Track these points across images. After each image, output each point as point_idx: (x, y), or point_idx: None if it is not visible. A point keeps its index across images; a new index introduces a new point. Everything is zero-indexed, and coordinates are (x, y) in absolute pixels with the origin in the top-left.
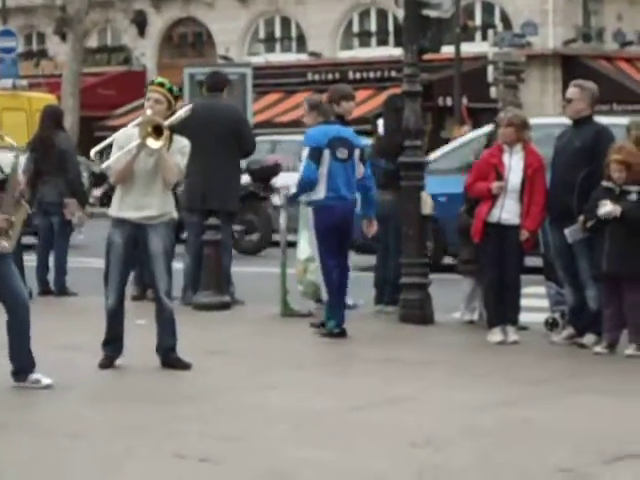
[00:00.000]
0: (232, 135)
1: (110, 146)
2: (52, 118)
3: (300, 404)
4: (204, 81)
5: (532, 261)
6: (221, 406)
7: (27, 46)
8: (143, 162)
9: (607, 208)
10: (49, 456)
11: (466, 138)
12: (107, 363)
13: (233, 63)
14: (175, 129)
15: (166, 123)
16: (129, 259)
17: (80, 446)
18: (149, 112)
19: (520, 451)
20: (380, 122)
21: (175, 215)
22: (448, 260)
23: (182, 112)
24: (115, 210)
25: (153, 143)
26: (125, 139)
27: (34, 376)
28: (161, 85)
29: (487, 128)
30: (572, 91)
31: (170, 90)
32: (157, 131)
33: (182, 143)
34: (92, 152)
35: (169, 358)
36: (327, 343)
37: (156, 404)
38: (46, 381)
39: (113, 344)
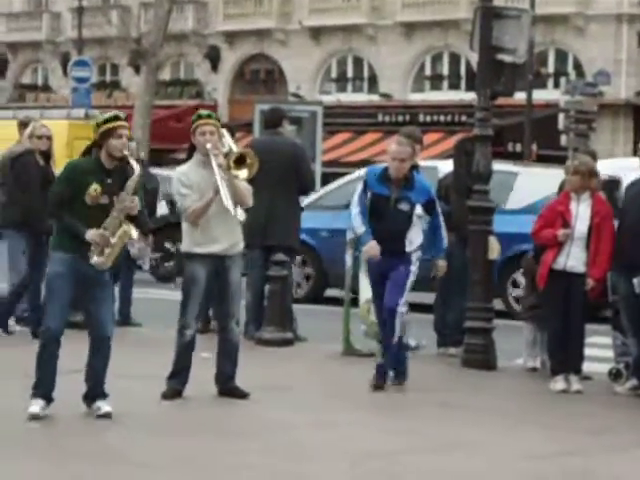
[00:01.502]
0: (291, 171)
1: None
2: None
3: (358, 444)
4: (263, 117)
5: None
6: (280, 442)
7: (101, 77)
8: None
9: None
10: None
11: (350, 177)
12: (172, 394)
13: (304, 101)
14: None
15: (245, 150)
16: (209, 291)
17: (142, 474)
18: (209, 146)
19: None
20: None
21: (243, 243)
22: (330, 292)
23: (228, 138)
24: (193, 245)
25: (242, 173)
26: (192, 177)
27: (98, 404)
28: (210, 117)
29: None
30: None
31: (217, 120)
32: (240, 161)
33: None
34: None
35: (228, 386)
36: (388, 384)
37: (214, 439)
38: (106, 408)
39: (179, 377)
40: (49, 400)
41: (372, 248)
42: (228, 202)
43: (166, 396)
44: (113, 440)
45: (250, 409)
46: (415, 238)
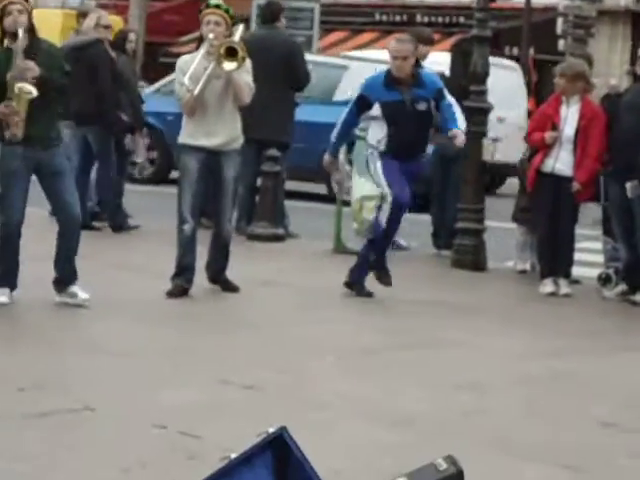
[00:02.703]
0: (286, 66)
1: None
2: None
3: (346, 339)
4: (258, 12)
5: None
6: (269, 337)
7: None
8: (212, 88)
9: None
10: (95, 373)
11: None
12: (178, 292)
13: None
14: None
15: (237, 41)
16: (203, 186)
17: (126, 363)
18: (211, 35)
19: (564, 402)
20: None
21: (242, 140)
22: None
23: (240, 32)
24: (188, 137)
25: (228, 65)
26: (188, 66)
27: (73, 288)
28: (217, 7)
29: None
30: None
31: (227, 11)
32: (231, 53)
33: (246, 61)
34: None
35: (219, 277)
36: (376, 281)
37: (205, 330)
38: (83, 295)
39: (185, 275)
40: (13, 288)
41: (327, 162)
42: (196, 90)
43: (172, 294)
44: (99, 330)
45: (240, 303)
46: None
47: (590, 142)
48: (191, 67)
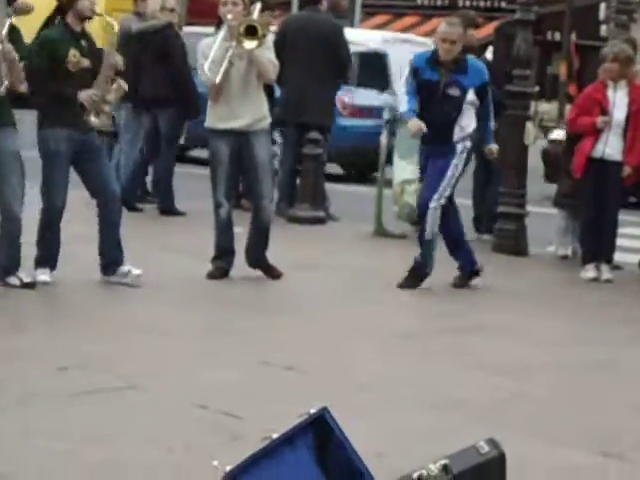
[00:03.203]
0: (328, 48)
1: None
2: None
3: (386, 322)
4: None
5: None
6: (310, 318)
7: None
8: (235, 69)
9: None
10: (137, 350)
11: None
12: (217, 274)
13: None
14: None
15: (256, 19)
16: (236, 168)
17: (170, 343)
18: (230, 16)
19: (603, 389)
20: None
21: (269, 119)
22: None
23: (258, 10)
24: (215, 121)
25: (249, 44)
26: (210, 48)
27: (124, 268)
28: None
29: None
30: None
31: None
32: (250, 31)
33: (267, 38)
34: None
35: (261, 263)
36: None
37: (247, 312)
38: (136, 271)
39: (225, 257)
40: (53, 268)
41: (415, 124)
42: (219, 75)
43: (213, 275)
44: (146, 310)
45: (281, 285)
46: (467, 125)
47: None
48: (212, 51)
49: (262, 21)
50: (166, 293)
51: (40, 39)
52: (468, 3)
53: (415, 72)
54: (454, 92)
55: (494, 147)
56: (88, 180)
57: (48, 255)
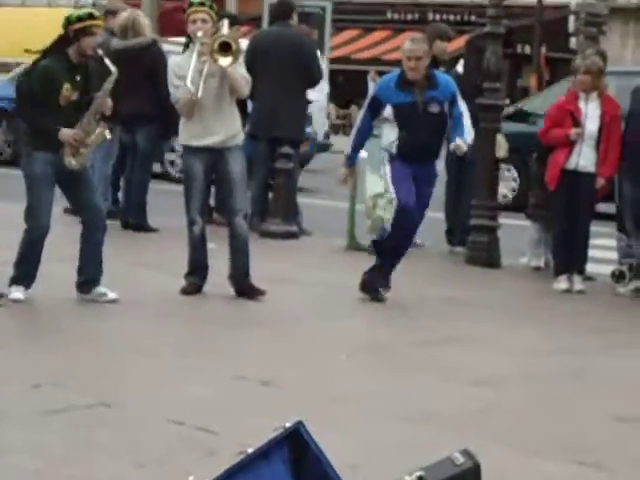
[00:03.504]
0: (299, 63)
1: None
2: None
3: (360, 336)
4: (270, 10)
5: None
6: (284, 333)
7: None
8: (208, 87)
9: None
10: (114, 368)
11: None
12: (190, 290)
13: None
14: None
15: (229, 35)
16: (208, 185)
17: (146, 360)
18: (200, 33)
19: (577, 398)
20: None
21: (243, 135)
22: None
23: (226, 26)
24: (189, 138)
25: (224, 60)
26: (185, 67)
27: (100, 289)
28: (202, 4)
29: None
30: None
31: (211, 8)
32: (224, 48)
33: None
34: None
35: (244, 285)
36: (392, 277)
37: (221, 327)
38: (112, 295)
39: (198, 273)
40: (28, 286)
41: (341, 174)
42: (195, 90)
43: (187, 291)
44: (119, 325)
45: (256, 300)
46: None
47: (613, 138)
48: (189, 71)
49: (233, 36)
50: (140, 310)
51: (42, 68)
52: (438, 17)
53: (376, 103)
54: (434, 109)
55: (460, 143)
56: (72, 198)
57: (25, 274)
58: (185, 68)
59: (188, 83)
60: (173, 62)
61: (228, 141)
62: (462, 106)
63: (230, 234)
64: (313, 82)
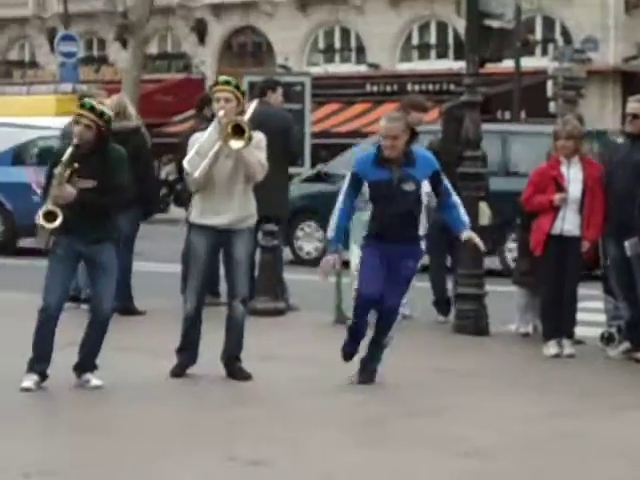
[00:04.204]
0: (280, 140)
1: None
2: None
3: (351, 410)
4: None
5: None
6: (274, 411)
7: (88, 51)
8: (222, 165)
9: None
10: (99, 455)
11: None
12: (178, 372)
13: (292, 72)
14: None
15: (245, 120)
16: (209, 266)
17: (132, 445)
18: (221, 113)
19: (572, 464)
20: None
21: (256, 218)
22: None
23: (252, 108)
24: (197, 216)
25: (235, 144)
26: (204, 144)
27: (87, 376)
28: (227, 83)
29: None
30: (637, 107)
31: (237, 87)
32: (237, 130)
33: (258, 137)
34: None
35: (232, 367)
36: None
37: (209, 407)
38: (96, 382)
39: (188, 351)
40: (44, 376)
41: (325, 265)
42: (199, 170)
43: (173, 372)
44: (105, 412)
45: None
46: (423, 220)
47: (596, 201)
48: (198, 143)
49: (247, 122)
50: (129, 393)
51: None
52: (417, 87)
53: (356, 180)
54: (409, 187)
55: (471, 235)
56: (90, 286)
57: (39, 357)
58: (204, 145)
59: (187, 158)
60: (193, 138)
61: (237, 224)
62: (451, 193)
63: (227, 315)
64: (294, 159)
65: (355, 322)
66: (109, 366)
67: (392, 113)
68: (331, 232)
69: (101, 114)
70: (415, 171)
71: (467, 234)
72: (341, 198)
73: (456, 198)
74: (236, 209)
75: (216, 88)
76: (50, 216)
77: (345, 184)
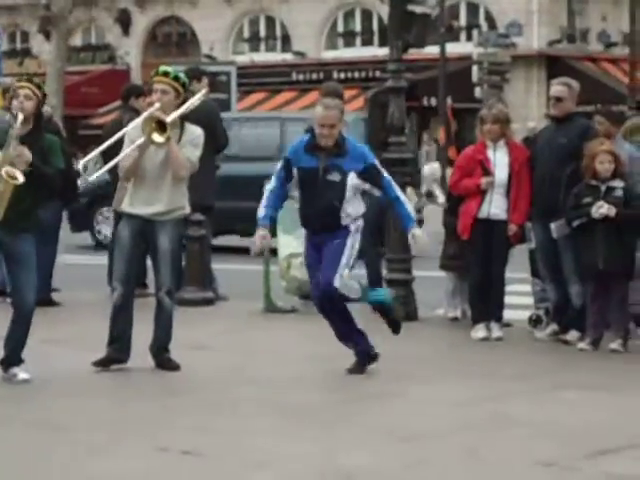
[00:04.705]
0: (206, 131)
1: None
2: None
3: (283, 397)
4: None
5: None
6: (204, 400)
7: (11, 44)
8: (153, 156)
9: (603, 210)
10: (28, 448)
11: None
12: (104, 363)
13: (217, 62)
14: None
15: (170, 117)
16: (135, 255)
17: (61, 438)
18: (157, 105)
19: (503, 446)
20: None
21: (187, 211)
22: None
23: (194, 100)
24: (126, 205)
25: (158, 137)
26: (135, 132)
27: (14, 370)
28: (165, 74)
29: None
30: (561, 90)
31: (176, 78)
32: (161, 125)
33: (194, 134)
34: (80, 164)
35: (161, 358)
36: (309, 338)
37: (141, 398)
38: (23, 376)
39: (118, 343)
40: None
41: (257, 240)
42: (123, 156)
43: (101, 363)
44: (34, 405)
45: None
46: (354, 211)
47: (523, 184)
48: (128, 128)
49: (171, 121)
50: (56, 386)
51: None
52: (343, 75)
53: (287, 164)
54: (334, 177)
55: (418, 232)
56: (10, 280)
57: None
58: (137, 135)
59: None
60: (131, 125)
61: (164, 215)
62: (392, 186)
63: (155, 307)
64: (220, 148)
65: (333, 326)
66: (36, 359)
67: (328, 101)
68: (259, 210)
69: (39, 86)
70: (344, 162)
71: (412, 232)
72: (272, 180)
73: (399, 193)
74: (165, 200)
75: (154, 79)
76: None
77: (277, 167)
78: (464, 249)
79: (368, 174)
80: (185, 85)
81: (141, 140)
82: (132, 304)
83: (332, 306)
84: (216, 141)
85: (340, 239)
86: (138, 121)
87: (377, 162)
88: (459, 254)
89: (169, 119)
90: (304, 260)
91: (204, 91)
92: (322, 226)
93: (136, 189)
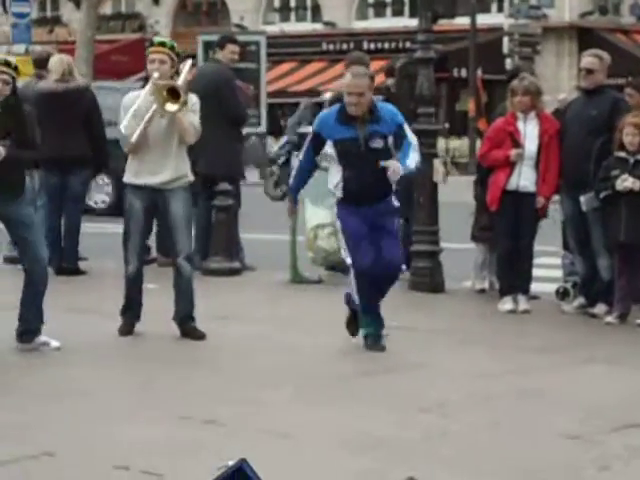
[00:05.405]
0: (217, 101)
1: None
2: None
3: (309, 368)
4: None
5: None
6: (229, 370)
7: (41, 12)
8: (156, 126)
9: (627, 183)
10: (53, 415)
11: None
12: (127, 330)
13: (247, 31)
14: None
15: (180, 84)
16: (148, 225)
17: (87, 405)
18: (156, 75)
19: (528, 418)
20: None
21: (192, 178)
22: None
23: (187, 69)
24: (132, 176)
25: (171, 107)
26: (139, 104)
27: (42, 338)
28: (162, 45)
29: None
30: (592, 61)
31: (172, 48)
32: (173, 93)
33: (192, 100)
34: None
35: (186, 327)
36: (337, 309)
37: (165, 367)
38: (55, 344)
39: (132, 310)
40: None
41: (290, 207)
42: (135, 134)
43: (122, 331)
44: (57, 374)
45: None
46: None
47: (552, 157)
48: (135, 104)
49: (183, 86)
50: (80, 354)
51: None
52: (373, 46)
53: (317, 139)
54: (377, 144)
55: (390, 165)
56: (17, 246)
57: None
58: (138, 104)
59: (126, 121)
60: (127, 98)
61: (172, 182)
62: (412, 138)
63: (174, 274)
64: (236, 118)
65: (363, 300)
66: (61, 327)
67: (357, 69)
68: (291, 185)
69: (15, 67)
70: (381, 127)
71: (387, 162)
72: (301, 156)
73: (414, 140)
74: (172, 168)
75: (151, 49)
76: None
77: (306, 142)
78: (493, 221)
79: (399, 131)
80: (179, 55)
81: (150, 113)
82: (143, 272)
83: (391, 285)
84: (230, 112)
85: (393, 216)
86: (142, 93)
87: (405, 123)
88: (490, 226)
89: (180, 83)
90: (344, 230)
91: (189, 61)
92: (374, 196)
93: (142, 159)
